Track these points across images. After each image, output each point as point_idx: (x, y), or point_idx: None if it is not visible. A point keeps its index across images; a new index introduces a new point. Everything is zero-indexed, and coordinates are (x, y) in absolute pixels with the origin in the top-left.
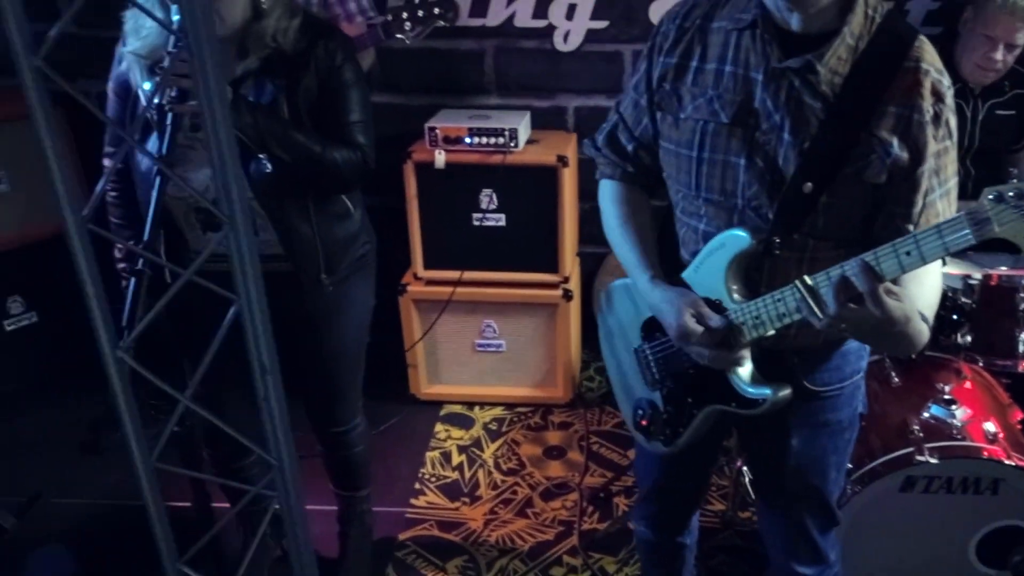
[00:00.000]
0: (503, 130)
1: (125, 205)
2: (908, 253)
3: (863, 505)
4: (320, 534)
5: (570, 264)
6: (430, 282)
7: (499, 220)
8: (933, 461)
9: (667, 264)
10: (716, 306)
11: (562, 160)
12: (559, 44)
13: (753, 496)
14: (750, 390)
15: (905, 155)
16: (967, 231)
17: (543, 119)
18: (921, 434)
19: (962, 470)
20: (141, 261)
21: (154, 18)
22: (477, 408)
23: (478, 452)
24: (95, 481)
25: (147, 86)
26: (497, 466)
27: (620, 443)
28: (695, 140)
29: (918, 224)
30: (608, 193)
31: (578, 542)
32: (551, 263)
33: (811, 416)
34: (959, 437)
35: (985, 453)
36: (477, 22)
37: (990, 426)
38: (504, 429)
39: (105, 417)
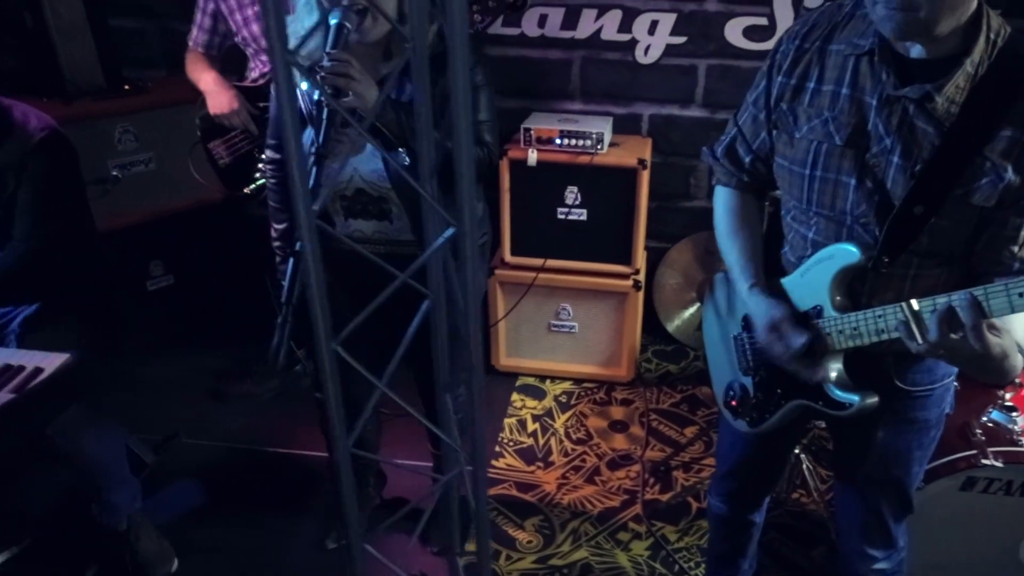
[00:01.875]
0: (591, 133)
1: (282, 191)
2: (1021, 295)
3: (922, 501)
4: (416, 487)
5: (641, 257)
6: (516, 267)
7: (581, 215)
8: (998, 465)
9: (770, 256)
10: (817, 312)
11: (642, 163)
12: (640, 57)
13: (809, 479)
14: (839, 394)
15: (1018, 180)
16: None
17: (619, 124)
18: (983, 437)
19: (1023, 475)
20: (299, 243)
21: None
22: (548, 381)
23: (550, 421)
24: (220, 425)
25: (304, 85)
26: (567, 435)
27: (676, 421)
28: (808, 159)
29: (1022, 246)
30: (723, 201)
31: (642, 510)
32: (625, 256)
33: (900, 413)
34: (1021, 443)
35: None
36: (567, 34)
37: None
38: (573, 402)
39: (229, 370)
